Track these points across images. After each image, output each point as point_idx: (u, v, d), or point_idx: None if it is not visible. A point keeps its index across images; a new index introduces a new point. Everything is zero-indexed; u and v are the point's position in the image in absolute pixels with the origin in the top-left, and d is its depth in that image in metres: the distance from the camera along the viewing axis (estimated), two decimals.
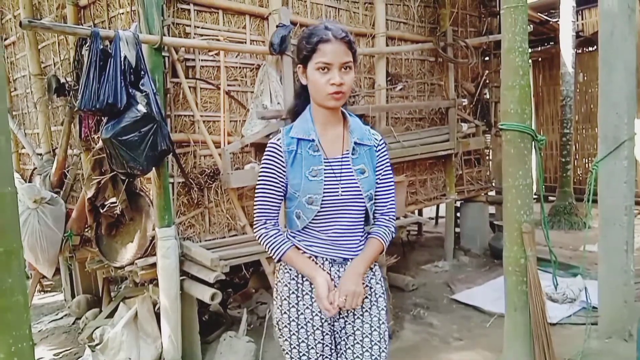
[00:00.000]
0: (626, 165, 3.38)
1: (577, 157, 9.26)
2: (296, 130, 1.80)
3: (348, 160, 1.80)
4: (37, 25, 3.22)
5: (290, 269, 1.84)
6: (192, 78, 3.73)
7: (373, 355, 1.82)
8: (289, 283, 1.83)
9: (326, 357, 1.84)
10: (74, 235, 3.96)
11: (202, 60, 3.78)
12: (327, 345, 1.84)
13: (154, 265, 3.39)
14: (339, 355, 1.87)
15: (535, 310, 2.87)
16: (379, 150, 1.88)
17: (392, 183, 1.91)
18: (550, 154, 9.57)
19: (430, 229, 7.63)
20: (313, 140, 1.78)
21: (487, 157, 6.53)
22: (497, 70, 6.28)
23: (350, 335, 1.84)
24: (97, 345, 3.63)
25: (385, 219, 1.88)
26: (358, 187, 1.78)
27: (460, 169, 5.98)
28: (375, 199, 1.85)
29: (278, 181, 1.80)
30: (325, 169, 1.77)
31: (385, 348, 1.86)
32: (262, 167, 1.81)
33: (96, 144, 3.63)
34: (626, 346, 3.27)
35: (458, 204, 6.31)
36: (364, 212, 1.82)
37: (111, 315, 4.05)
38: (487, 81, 6.28)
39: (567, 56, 7.32)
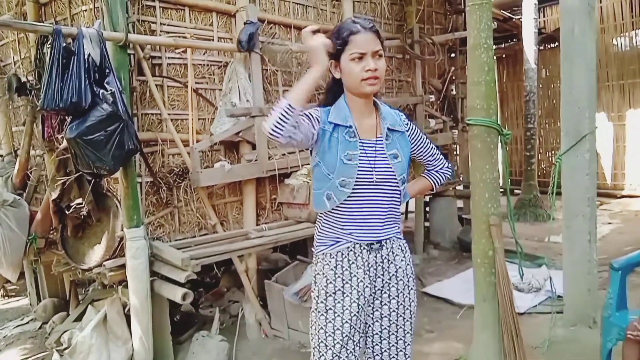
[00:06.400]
0: (588, 158, 3.48)
1: (541, 151, 9.48)
2: (334, 116, 1.85)
3: (382, 145, 1.88)
4: None
5: (332, 258, 1.87)
6: (159, 76, 3.68)
7: (406, 330, 1.95)
8: (335, 267, 1.88)
9: (357, 341, 1.89)
10: (38, 238, 3.86)
11: (168, 57, 3.73)
12: (360, 329, 1.90)
13: (123, 266, 3.33)
14: (367, 335, 1.95)
15: (503, 301, 2.93)
16: (409, 130, 2.00)
17: (430, 142, 2.10)
18: (515, 148, 9.77)
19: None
20: (350, 127, 1.85)
21: (455, 153, 6.63)
22: (463, 66, 6.38)
23: (385, 316, 1.93)
24: (65, 349, 3.54)
25: (442, 171, 2.15)
26: (392, 171, 1.87)
27: None
28: (426, 163, 2.12)
29: (313, 118, 1.81)
30: (360, 155, 1.83)
31: (412, 327, 1.99)
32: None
33: (60, 144, 3.54)
34: (591, 333, 3.37)
35: (427, 198, 6.39)
36: (398, 194, 1.91)
37: (79, 318, 3.97)
38: (454, 77, 6.38)
39: (529, 53, 7.47)
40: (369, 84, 1.81)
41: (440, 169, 2.16)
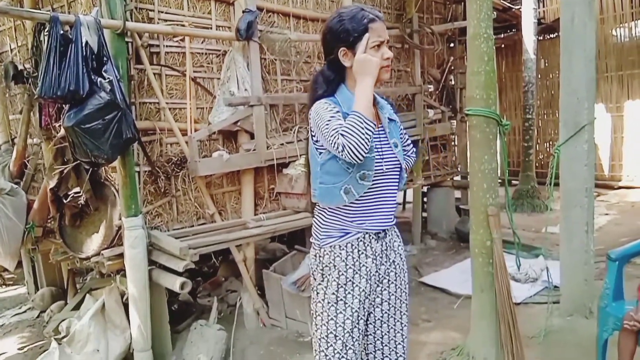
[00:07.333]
0: (586, 148, 3.48)
1: (538, 141, 9.49)
2: (346, 108, 1.80)
3: (385, 135, 1.90)
4: None
5: (342, 250, 1.87)
6: (157, 64, 3.65)
7: (402, 312, 2.02)
8: (346, 259, 1.88)
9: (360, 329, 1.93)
10: (36, 226, 3.86)
11: (166, 46, 3.70)
12: (364, 316, 1.94)
13: (121, 255, 3.33)
14: (369, 322, 1.99)
15: (500, 291, 2.94)
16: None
17: (406, 133, 2.17)
18: (512, 139, 9.78)
19: (398, 214, 7.71)
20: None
21: (453, 143, 6.63)
22: (462, 56, 6.37)
23: (385, 300, 1.97)
24: (63, 338, 3.55)
25: (412, 155, 2.16)
26: (397, 160, 1.90)
27: (427, 154, 6.06)
28: (402, 149, 2.06)
29: (342, 117, 1.77)
30: (375, 146, 1.83)
31: (407, 308, 2.06)
32: (324, 109, 1.79)
33: (57, 133, 3.53)
34: (587, 323, 3.39)
35: (425, 189, 6.41)
36: (399, 182, 1.94)
37: (77, 307, 3.97)
38: (452, 68, 6.36)
39: (529, 43, 7.46)
40: (385, 71, 1.84)
41: (412, 153, 2.19)
